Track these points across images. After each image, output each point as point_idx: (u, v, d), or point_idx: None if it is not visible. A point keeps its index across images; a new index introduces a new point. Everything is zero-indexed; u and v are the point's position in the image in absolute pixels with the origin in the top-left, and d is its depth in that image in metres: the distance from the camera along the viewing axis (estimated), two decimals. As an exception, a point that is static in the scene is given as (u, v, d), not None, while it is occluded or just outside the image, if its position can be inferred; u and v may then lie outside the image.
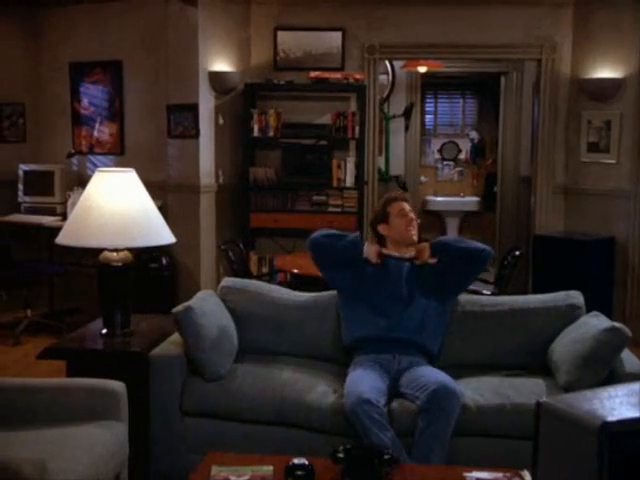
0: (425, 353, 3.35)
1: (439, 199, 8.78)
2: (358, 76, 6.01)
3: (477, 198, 8.83)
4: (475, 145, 8.97)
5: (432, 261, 3.40)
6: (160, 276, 5.89)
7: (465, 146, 9.02)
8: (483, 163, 8.94)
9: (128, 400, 2.88)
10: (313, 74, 5.97)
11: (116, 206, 3.25)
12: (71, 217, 3.35)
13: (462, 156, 9.03)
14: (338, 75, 6.01)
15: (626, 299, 5.81)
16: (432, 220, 8.64)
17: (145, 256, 5.86)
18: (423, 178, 8.73)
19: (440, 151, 9.03)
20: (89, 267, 5.58)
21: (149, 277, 5.76)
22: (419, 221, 3.60)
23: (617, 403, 1.41)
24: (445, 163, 9.06)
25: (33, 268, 6.00)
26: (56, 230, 5.87)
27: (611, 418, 1.32)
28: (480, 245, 3.48)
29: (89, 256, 5.67)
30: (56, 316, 6.04)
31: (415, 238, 3.49)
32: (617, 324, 3.10)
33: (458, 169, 9.04)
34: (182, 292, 5.77)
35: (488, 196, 8.59)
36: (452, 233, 8.64)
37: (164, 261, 5.90)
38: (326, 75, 5.99)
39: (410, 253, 3.47)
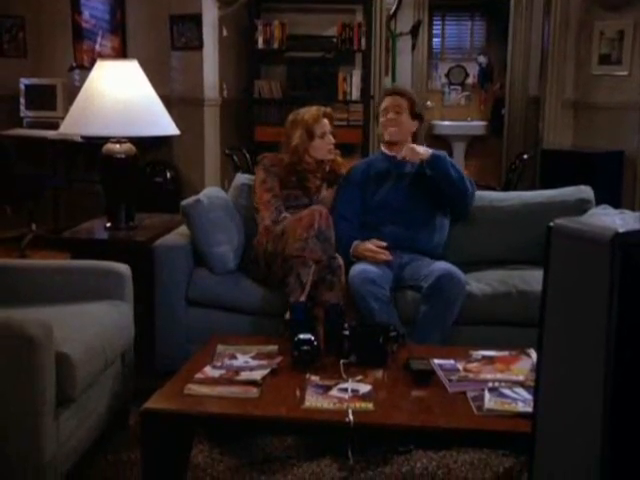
0: (428, 252, 3.30)
1: (446, 123, 8.64)
2: (364, -17, 5.87)
3: (484, 122, 8.69)
4: (483, 69, 8.78)
5: (412, 160, 3.26)
6: (165, 190, 5.84)
7: (473, 70, 8.84)
8: (491, 88, 8.77)
9: (134, 290, 2.85)
10: (318, -19, 5.83)
11: (118, 94, 3.20)
12: (73, 106, 3.29)
13: (469, 81, 8.86)
14: (344, -17, 5.87)
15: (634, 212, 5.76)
16: (438, 144, 8.52)
17: (149, 169, 5.82)
18: (429, 103, 8.58)
19: (447, 75, 8.86)
20: (93, 182, 5.53)
21: (153, 191, 5.71)
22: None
23: (630, 221, 1.38)
24: (452, 87, 8.89)
25: (36, 181, 5.95)
26: (59, 143, 5.87)
27: (623, 230, 1.29)
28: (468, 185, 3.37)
29: (93, 171, 5.63)
30: (60, 232, 6.00)
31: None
32: (627, 211, 3.07)
33: (465, 93, 8.88)
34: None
35: (495, 120, 8.46)
36: (459, 157, 8.53)
37: (168, 175, 5.85)
38: (332, -17, 5.85)
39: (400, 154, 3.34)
